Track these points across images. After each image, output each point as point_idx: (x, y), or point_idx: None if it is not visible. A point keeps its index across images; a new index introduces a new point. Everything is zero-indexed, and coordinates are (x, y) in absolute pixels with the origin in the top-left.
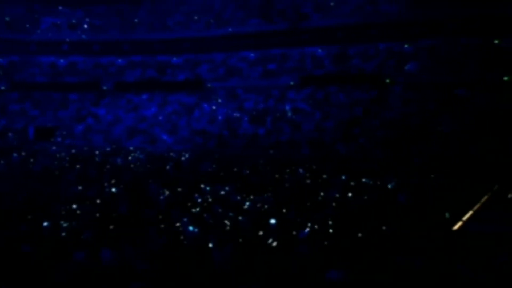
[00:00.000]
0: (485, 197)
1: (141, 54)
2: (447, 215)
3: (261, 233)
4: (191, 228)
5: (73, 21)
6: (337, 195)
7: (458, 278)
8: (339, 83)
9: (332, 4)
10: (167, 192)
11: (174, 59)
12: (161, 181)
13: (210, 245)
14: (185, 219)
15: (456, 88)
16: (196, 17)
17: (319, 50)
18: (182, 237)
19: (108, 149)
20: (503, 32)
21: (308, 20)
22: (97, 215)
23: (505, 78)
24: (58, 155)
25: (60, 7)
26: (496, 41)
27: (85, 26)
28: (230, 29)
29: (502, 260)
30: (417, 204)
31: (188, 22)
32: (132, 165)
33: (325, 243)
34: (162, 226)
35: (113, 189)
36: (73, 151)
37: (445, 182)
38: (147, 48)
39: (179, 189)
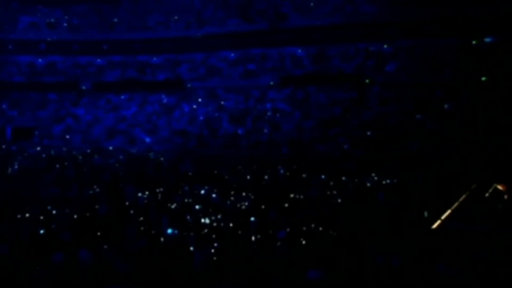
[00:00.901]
0: (463, 196)
1: (120, 54)
2: (426, 214)
3: (241, 232)
4: (170, 228)
5: (52, 20)
6: (317, 195)
7: (437, 277)
8: (318, 83)
9: (311, 4)
10: (146, 193)
11: (154, 59)
12: (140, 182)
13: (190, 245)
14: (164, 220)
15: (435, 88)
16: (176, 17)
17: (299, 50)
18: (161, 238)
19: (87, 149)
20: (480, 33)
21: (288, 20)
22: (76, 216)
23: (483, 79)
24: (36, 156)
25: (39, 6)
26: (474, 42)
27: (64, 25)
28: (210, 29)
29: (480, 258)
30: (396, 203)
31: (168, 22)
32: (111, 166)
33: (305, 242)
34: (142, 226)
35: (92, 190)
36: (52, 151)
37: (423, 181)
38: (126, 47)
39: (159, 190)
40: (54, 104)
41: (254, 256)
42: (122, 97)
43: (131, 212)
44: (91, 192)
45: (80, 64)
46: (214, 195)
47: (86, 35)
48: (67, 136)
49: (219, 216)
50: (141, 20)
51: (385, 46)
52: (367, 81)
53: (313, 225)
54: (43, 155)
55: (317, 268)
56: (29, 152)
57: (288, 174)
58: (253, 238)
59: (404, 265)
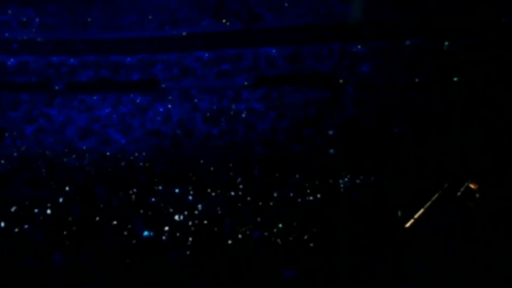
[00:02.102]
0: (436, 195)
1: (94, 53)
2: (399, 213)
3: (215, 233)
4: (144, 229)
5: (24, 19)
6: (291, 195)
7: (410, 276)
8: (293, 83)
9: (286, 5)
10: (120, 194)
11: (128, 59)
12: (114, 183)
13: (164, 246)
14: (138, 220)
15: (408, 88)
16: (150, 17)
17: (273, 51)
18: (135, 239)
19: (60, 150)
20: (452, 34)
21: (262, 20)
22: (49, 218)
23: (455, 79)
24: (8, 157)
25: (10, 5)
26: (446, 43)
27: (36, 24)
28: (184, 29)
29: (452, 256)
30: (370, 202)
31: (142, 22)
32: (85, 167)
33: (280, 242)
34: (116, 228)
35: (65, 191)
36: (24, 152)
37: (397, 181)
38: (100, 47)
39: (132, 190)
40: (26, 104)
41: (228, 256)
42: (96, 97)
43: (105, 213)
44: (64, 193)
45: (52, 64)
46: (188, 196)
47: (59, 34)
48: (40, 137)
49: (193, 217)
50: (115, 20)
51: (359, 47)
52: (341, 81)
53: (288, 225)
54: (15, 156)
55: (291, 268)
56: (1, 153)
57: (263, 174)
58: (227, 238)
59: (378, 264)
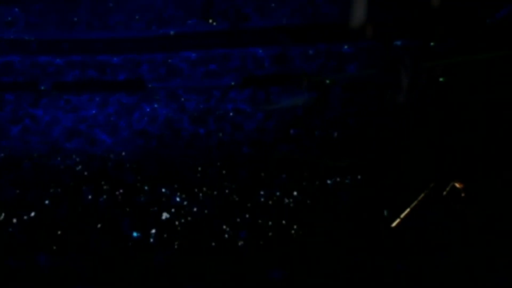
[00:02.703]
0: (422, 195)
1: (80, 53)
2: (385, 212)
3: (202, 233)
4: (131, 230)
5: (9, 18)
6: (278, 194)
7: (396, 275)
8: (280, 84)
9: (273, 5)
10: (107, 194)
11: (115, 59)
12: (101, 183)
13: (152, 246)
14: (126, 221)
15: (395, 88)
16: (136, 17)
17: (260, 51)
18: (123, 239)
19: (46, 150)
20: (437, 35)
21: (249, 21)
22: (34, 218)
23: (441, 79)
24: None
25: None
26: (431, 44)
27: (22, 24)
28: (171, 29)
29: (438, 255)
30: (357, 202)
31: (129, 22)
32: (71, 167)
33: (267, 242)
34: (102, 228)
35: (51, 192)
36: (10, 153)
37: (384, 180)
38: (86, 47)
39: (119, 191)
40: (11, 104)
41: (216, 256)
42: (82, 97)
43: (91, 213)
44: (50, 193)
45: (38, 63)
46: (175, 196)
47: (45, 34)
48: (26, 137)
49: (181, 217)
50: (101, 19)
51: (345, 47)
52: (327, 81)
53: (275, 225)
54: (1, 157)
55: (279, 268)
56: None
57: (249, 174)
58: (214, 238)
59: (364, 264)
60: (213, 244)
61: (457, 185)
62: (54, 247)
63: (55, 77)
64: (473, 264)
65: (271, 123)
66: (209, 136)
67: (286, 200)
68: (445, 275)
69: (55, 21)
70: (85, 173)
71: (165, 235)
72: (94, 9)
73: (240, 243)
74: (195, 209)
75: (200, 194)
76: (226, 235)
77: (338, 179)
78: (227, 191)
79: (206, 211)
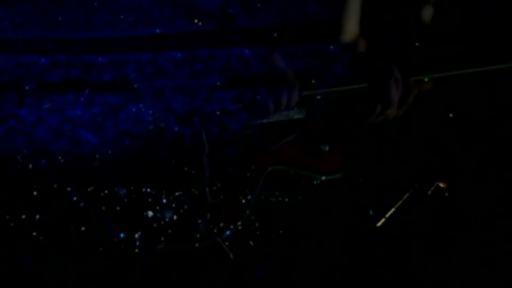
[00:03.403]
0: (407, 194)
1: (65, 53)
2: (371, 212)
3: (188, 234)
4: (116, 231)
5: None
6: (264, 194)
7: (381, 275)
8: (266, 84)
9: (259, 5)
10: (92, 195)
11: (100, 58)
12: (86, 184)
13: (136, 247)
14: (111, 222)
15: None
16: (122, 16)
17: (246, 51)
18: (107, 241)
19: (31, 151)
20: (422, 36)
21: (235, 21)
22: (19, 220)
23: (426, 79)
24: None
25: None
26: (416, 44)
27: (6, 23)
28: (157, 29)
29: (423, 254)
30: (342, 201)
31: (114, 21)
32: (56, 168)
33: (252, 242)
34: (87, 229)
35: (36, 193)
36: None
37: (369, 180)
38: (72, 47)
39: (104, 192)
40: None
41: (200, 256)
42: (67, 97)
43: (76, 214)
44: (34, 194)
45: (23, 63)
46: (161, 196)
47: (29, 33)
48: (10, 138)
49: (166, 217)
50: (87, 19)
51: (331, 47)
52: (313, 81)
53: (260, 225)
54: None
55: (262, 268)
56: None
57: (236, 174)
58: (199, 238)
59: (349, 263)
60: (197, 244)
61: (441, 184)
62: (40, 248)
63: (40, 77)
64: (459, 262)
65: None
66: (196, 136)
67: (272, 200)
68: (430, 274)
69: (39, 21)
70: (70, 173)
71: (149, 236)
72: (79, 8)
73: (226, 243)
74: (180, 209)
75: (186, 195)
76: (210, 235)
77: (324, 179)
78: (213, 191)
79: (191, 212)
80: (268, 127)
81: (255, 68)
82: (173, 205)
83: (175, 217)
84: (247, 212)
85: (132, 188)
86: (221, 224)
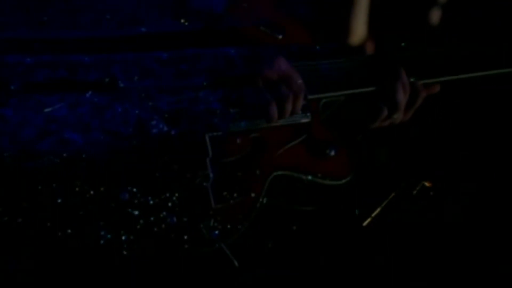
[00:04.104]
0: (393, 194)
1: (51, 53)
2: (356, 211)
3: (174, 234)
4: (102, 233)
5: None
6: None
7: (366, 274)
8: (252, 84)
9: (245, 5)
10: (78, 196)
11: (86, 58)
12: (71, 184)
13: (123, 249)
14: (97, 224)
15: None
16: (108, 16)
17: (232, 51)
18: (94, 242)
19: (16, 151)
20: (409, 36)
21: (222, 21)
22: (2, 222)
23: (412, 79)
24: None
25: None
26: (402, 44)
27: None
28: (143, 29)
29: (408, 253)
30: (329, 201)
31: (100, 21)
32: (41, 168)
33: (238, 242)
34: (73, 231)
35: (21, 194)
36: None
37: (355, 179)
38: (57, 46)
39: (90, 193)
40: None
41: (186, 257)
42: (53, 97)
43: (62, 216)
44: (20, 196)
45: (8, 63)
46: (145, 196)
47: (14, 33)
48: None
49: (152, 218)
50: (72, 18)
51: (317, 48)
52: (299, 81)
53: (245, 225)
54: None
55: (249, 270)
56: None
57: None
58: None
59: (335, 262)
60: (186, 246)
61: (427, 183)
62: (24, 251)
63: (25, 77)
64: (442, 261)
65: (244, 123)
66: (181, 136)
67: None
68: (416, 273)
69: (24, 20)
70: (56, 174)
71: (135, 238)
72: (64, 7)
73: (216, 245)
74: (166, 210)
75: (172, 195)
76: (197, 235)
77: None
78: (199, 191)
79: (194, 216)
80: (273, 130)
81: (241, 68)
82: (176, 209)
83: (177, 221)
84: (252, 217)
85: (119, 188)
86: (225, 230)
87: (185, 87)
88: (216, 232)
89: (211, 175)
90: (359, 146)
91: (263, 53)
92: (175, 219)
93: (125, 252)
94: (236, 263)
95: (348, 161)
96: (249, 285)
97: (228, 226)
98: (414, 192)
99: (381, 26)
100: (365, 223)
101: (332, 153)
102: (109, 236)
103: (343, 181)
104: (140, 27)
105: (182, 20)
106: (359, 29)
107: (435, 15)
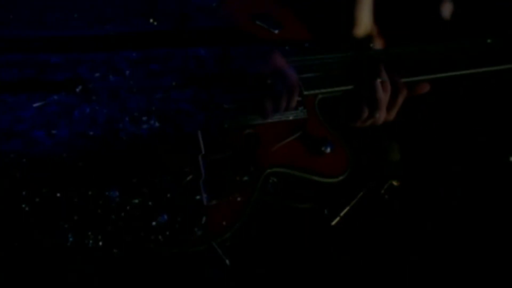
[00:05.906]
0: (361, 193)
1: (17, 52)
2: (325, 211)
3: (153, 234)
4: (71, 235)
5: None
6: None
7: (336, 273)
8: (222, 84)
9: (214, 5)
10: (47, 198)
11: (53, 58)
12: (40, 187)
13: (97, 251)
14: (67, 226)
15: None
16: (76, 15)
17: (202, 51)
18: (64, 246)
19: None
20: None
21: (192, 21)
22: None
23: (402, 80)
24: None
25: None
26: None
27: None
28: (112, 28)
29: (377, 251)
30: (298, 200)
31: (68, 20)
32: (8, 170)
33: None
34: (42, 234)
35: None
36: None
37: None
38: (24, 46)
39: (60, 194)
40: None
41: (178, 256)
42: (19, 97)
43: (30, 219)
44: None
45: None
46: (119, 197)
47: None
48: None
49: (124, 219)
50: (39, 17)
51: (286, 48)
52: (269, 81)
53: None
54: None
55: (218, 268)
56: None
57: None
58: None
59: (305, 262)
60: (178, 244)
61: (394, 182)
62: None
63: None
64: (412, 260)
65: (214, 123)
66: (151, 136)
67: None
68: (385, 272)
69: None
70: (24, 175)
71: (107, 239)
72: (31, 6)
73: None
74: (175, 213)
75: (145, 195)
76: (174, 235)
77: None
78: (172, 191)
79: (187, 215)
80: (268, 127)
81: (210, 68)
82: (168, 207)
83: (169, 220)
84: (245, 215)
85: (90, 190)
86: (218, 228)
87: (155, 87)
88: (210, 231)
89: (204, 172)
90: (356, 143)
91: (258, 49)
92: (166, 217)
93: (115, 251)
94: (227, 262)
95: (344, 159)
96: (241, 285)
97: (221, 224)
98: (382, 191)
99: (389, 19)
100: (333, 223)
101: (328, 150)
102: (76, 238)
103: (339, 178)
104: (109, 26)
105: (151, 20)
106: (364, 20)
107: (447, 9)
